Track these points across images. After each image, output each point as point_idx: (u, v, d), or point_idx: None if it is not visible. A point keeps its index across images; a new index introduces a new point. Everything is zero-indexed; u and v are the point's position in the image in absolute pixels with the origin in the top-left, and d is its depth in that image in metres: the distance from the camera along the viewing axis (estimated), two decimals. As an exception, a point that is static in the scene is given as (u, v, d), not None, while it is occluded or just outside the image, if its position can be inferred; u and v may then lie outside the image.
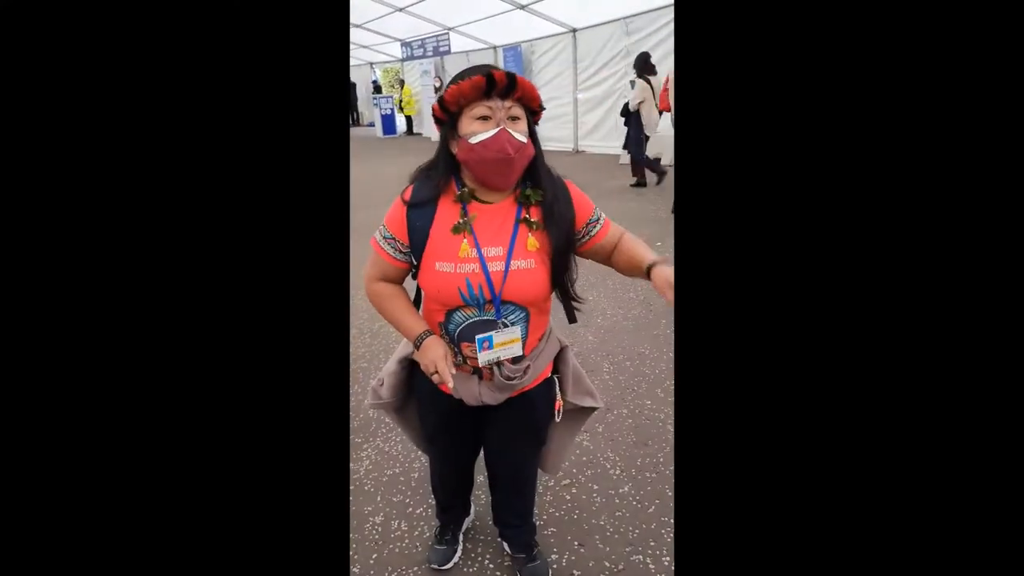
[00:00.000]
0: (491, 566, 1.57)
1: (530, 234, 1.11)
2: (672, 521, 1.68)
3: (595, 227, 1.17)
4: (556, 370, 1.34)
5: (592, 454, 2.01)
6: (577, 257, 1.19)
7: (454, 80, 1.05)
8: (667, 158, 7.17)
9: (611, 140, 6.60)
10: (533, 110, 1.09)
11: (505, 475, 1.45)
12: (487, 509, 1.66)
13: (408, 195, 1.12)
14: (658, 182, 6.13)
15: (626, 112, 5.98)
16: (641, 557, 1.57)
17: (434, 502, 1.65)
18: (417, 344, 1.16)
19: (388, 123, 13.44)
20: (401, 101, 13.33)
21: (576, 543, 1.63)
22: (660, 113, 5.90)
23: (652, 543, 1.61)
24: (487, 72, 1.01)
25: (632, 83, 6.03)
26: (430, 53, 11.13)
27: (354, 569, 1.57)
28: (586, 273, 1.26)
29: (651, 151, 7.16)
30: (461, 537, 1.63)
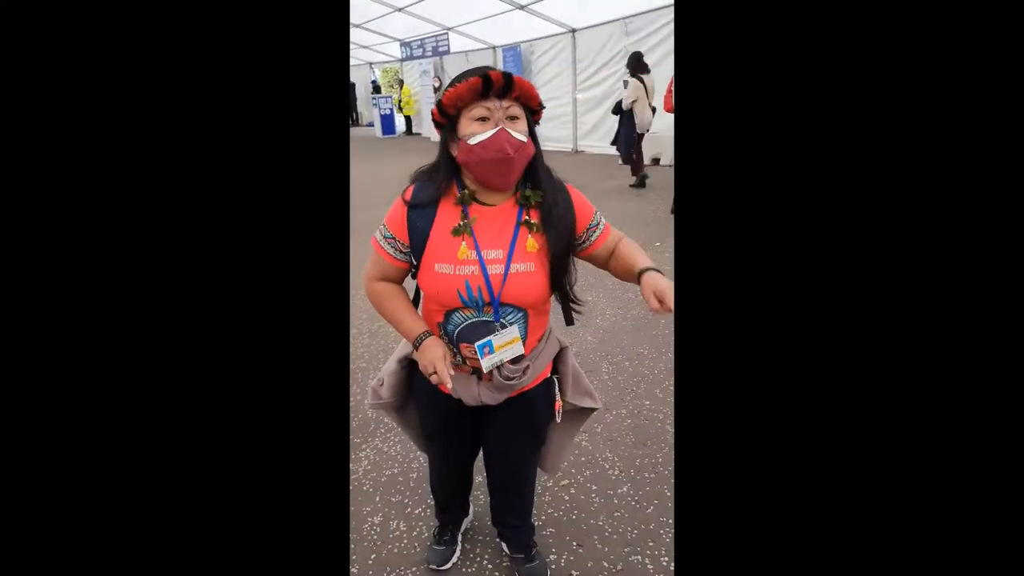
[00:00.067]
0: (490, 566, 1.57)
1: (530, 236, 1.10)
2: (670, 521, 1.68)
3: (595, 232, 1.17)
4: (555, 370, 1.34)
5: (591, 454, 2.01)
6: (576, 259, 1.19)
7: (452, 83, 1.05)
8: (667, 158, 7.19)
9: (611, 140, 6.63)
10: (533, 109, 1.09)
11: (504, 475, 1.45)
12: (486, 510, 1.66)
13: (409, 195, 1.12)
14: (635, 183, 6.17)
15: (618, 110, 6.00)
16: (640, 557, 1.57)
17: (433, 502, 1.65)
18: (416, 344, 1.16)
19: (387, 123, 13.44)
20: (400, 101, 13.33)
21: (575, 543, 1.63)
22: (653, 111, 5.92)
23: (651, 543, 1.61)
24: (484, 73, 1.01)
25: (625, 83, 6.04)
26: (429, 53, 11.13)
27: (353, 569, 1.56)
28: (585, 274, 1.26)
29: (651, 151, 7.18)
30: (460, 537, 1.63)
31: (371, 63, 15.31)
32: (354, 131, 14.10)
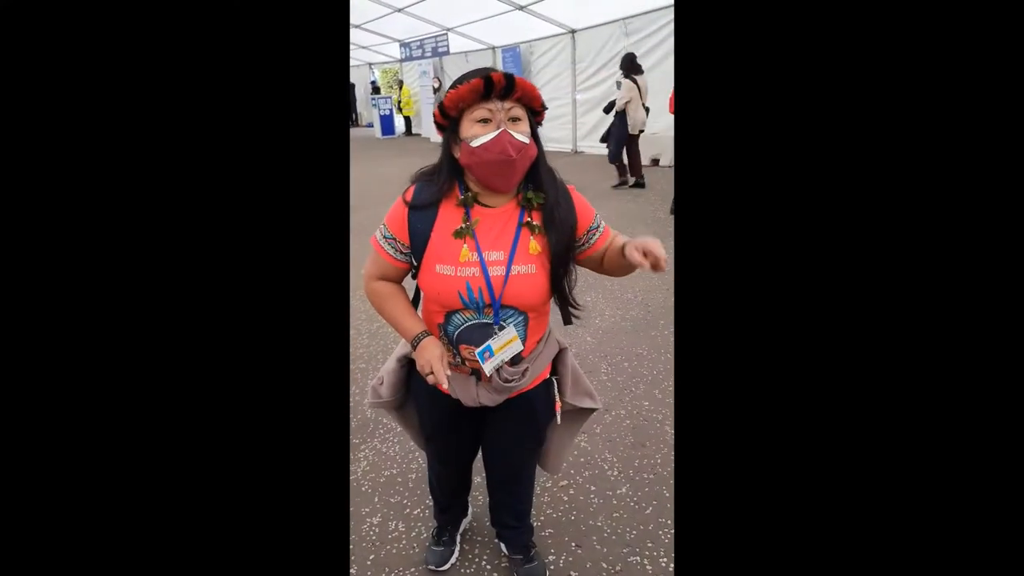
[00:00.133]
0: (488, 567, 1.57)
1: (532, 237, 1.10)
2: (669, 522, 1.68)
3: (595, 235, 1.17)
4: (555, 371, 1.34)
5: (590, 455, 2.01)
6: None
7: (453, 84, 1.05)
8: (666, 158, 7.19)
9: (600, 137, 6.65)
10: (535, 110, 1.08)
11: (503, 476, 1.44)
12: (484, 510, 1.66)
13: (410, 196, 1.12)
14: (616, 184, 6.20)
15: (610, 109, 6.03)
16: (638, 558, 1.57)
17: (431, 503, 1.65)
18: (414, 344, 1.16)
19: (387, 124, 13.44)
20: (400, 102, 13.33)
21: (573, 544, 1.63)
22: (647, 112, 5.95)
23: (650, 544, 1.61)
24: (485, 74, 1.01)
25: (618, 84, 6.07)
26: (429, 54, 11.13)
27: (351, 570, 1.56)
28: (584, 275, 1.26)
29: (650, 151, 7.19)
30: (458, 538, 1.63)
31: (370, 64, 15.31)
32: (353, 132, 14.10)
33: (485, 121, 1.03)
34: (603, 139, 6.32)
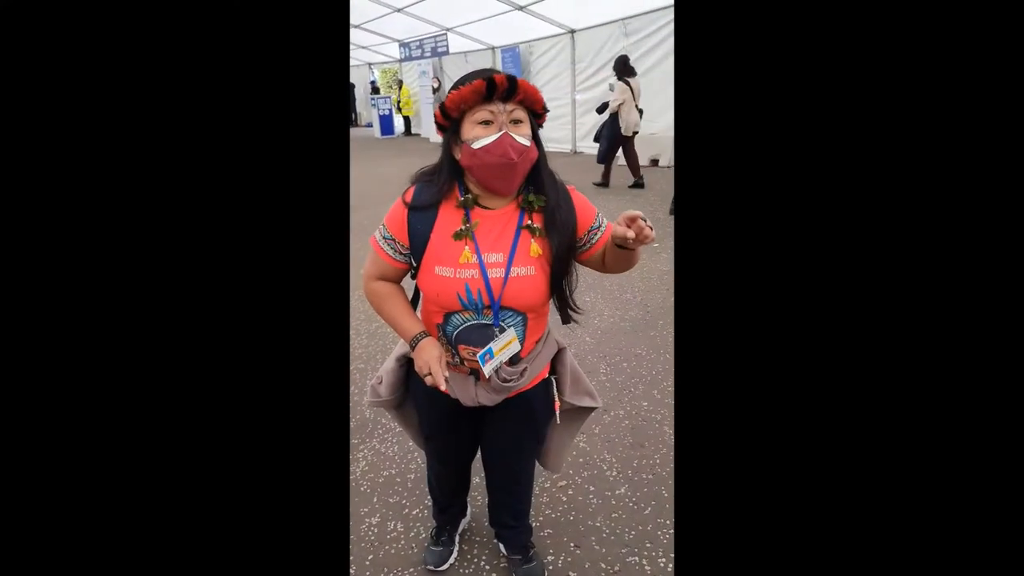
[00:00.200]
0: (487, 567, 1.57)
1: (532, 240, 1.10)
2: (668, 522, 1.68)
3: (596, 234, 1.16)
4: (554, 371, 1.34)
5: (589, 455, 2.01)
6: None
7: (455, 85, 1.04)
8: (666, 159, 7.19)
9: (593, 136, 6.67)
10: (536, 112, 1.08)
11: (502, 476, 1.45)
12: (483, 510, 1.66)
13: (409, 197, 1.12)
14: (600, 183, 6.25)
15: (603, 110, 6.08)
16: (637, 558, 1.57)
17: (430, 503, 1.65)
18: (412, 345, 1.16)
19: (386, 124, 13.44)
20: (399, 102, 13.33)
21: (572, 544, 1.63)
22: (640, 113, 5.99)
23: (648, 544, 1.61)
24: (488, 76, 1.01)
25: (611, 86, 6.13)
26: (428, 54, 11.12)
27: (350, 570, 1.56)
28: (584, 275, 1.26)
29: (650, 152, 7.19)
30: (457, 538, 1.63)
31: (370, 64, 15.31)
32: (353, 132, 14.10)
33: (487, 123, 1.02)
34: (596, 138, 6.36)
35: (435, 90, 11.19)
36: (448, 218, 1.10)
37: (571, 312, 1.19)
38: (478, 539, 1.66)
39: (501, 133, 1.02)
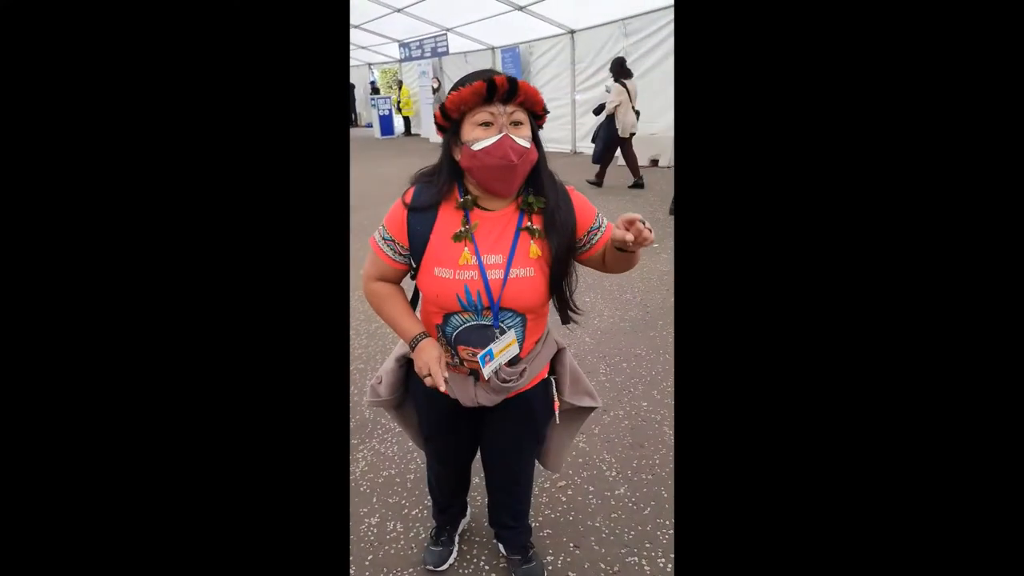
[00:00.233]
0: (486, 567, 1.57)
1: (532, 242, 1.10)
2: (667, 523, 1.68)
3: (596, 235, 1.16)
4: (553, 371, 1.34)
5: (588, 456, 2.01)
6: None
7: (455, 86, 1.04)
8: (665, 159, 7.19)
9: (591, 137, 6.70)
10: (536, 114, 1.08)
11: (502, 476, 1.45)
12: (483, 511, 1.66)
13: (409, 198, 1.12)
14: (593, 182, 6.29)
15: (600, 111, 6.12)
16: (636, 559, 1.57)
17: (430, 503, 1.65)
18: (412, 346, 1.16)
19: (386, 124, 13.44)
20: (399, 102, 13.33)
21: (571, 544, 1.63)
22: (637, 115, 6.02)
23: (648, 544, 1.61)
24: (488, 77, 1.00)
25: (608, 88, 6.16)
26: (428, 54, 11.12)
27: (350, 570, 1.56)
28: (584, 275, 1.26)
29: (649, 152, 7.19)
30: (457, 538, 1.63)
31: (370, 64, 15.31)
32: (353, 132, 14.10)
33: (487, 124, 1.02)
34: (594, 139, 6.39)
35: (435, 90, 11.19)
36: (447, 219, 1.10)
37: (571, 313, 1.19)
38: (477, 539, 1.66)
39: (501, 135, 1.01)
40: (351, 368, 2.69)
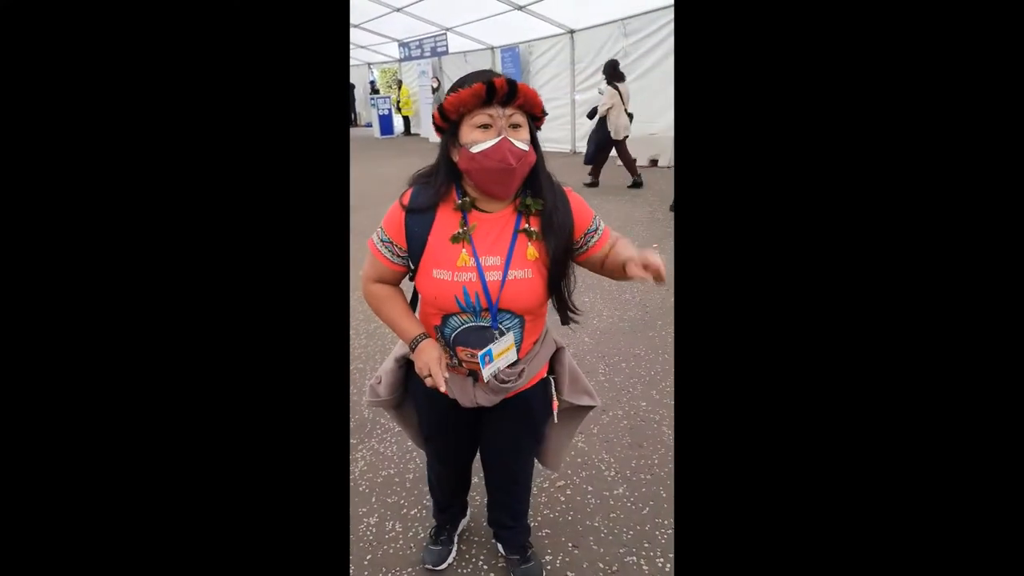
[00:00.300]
0: (485, 567, 1.57)
1: (529, 244, 1.10)
2: (666, 523, 1.69)
3: (593, 237, 1.16)
4: (552, 370, 1.34)
5: (587, 455, 2.01)
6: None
7: (454, 87, 1.04)
8: (665, 159, 7.20)
9: (588, 139, 6.73)
10: (535, 116, 1.08)
11: (501, 476, 1.45)
12: (481, 511, 1.66)
13: (407, 200, 1.12)
14: (589, 184, 6.33)
15: (593, 114, 6.16)
16: (635, 558, 1.57)
17: (429, 503, 1.65)
18: (412, 347, 1.16)
19: (386, 124, 13.43)
20: (399, 102, 13.33)
21: (570, 544, 1.64)
22: (630, 118, 6.06)
23: (646, 544, 1.62)
24: (488, 79, 1.00)
25: (600, 90, 6.20)
26: (428, 54, 11.12)
27: (349, 570, 1.56)
28: (583, 276, 1.26)
29: (649, 152, 7.20)
30: (456, 538, 1.63)
31: (369, 63, 15.30)
32: (352, 131, 14.09)
33: (486, 127, 1.02)
34: (590, 139, 6.43)
35: (434, 90, 11.19)
36: (445, 221, 1.10)
37: (570, 314, 1.19)
38: (476, 539, 1.67)
39: (500, 138, 1.01)
40: (351, 368, 2.68)
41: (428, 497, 1.67)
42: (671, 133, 6.56)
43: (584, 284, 3.37)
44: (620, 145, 6.13)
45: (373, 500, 1.83)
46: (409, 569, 1.56)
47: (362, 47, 13.29)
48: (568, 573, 1.54)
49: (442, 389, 1.09)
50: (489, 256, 1.09)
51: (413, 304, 1.26)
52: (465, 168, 1.06)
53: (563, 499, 1.81)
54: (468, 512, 1.70)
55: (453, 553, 1.59)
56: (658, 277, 0.95)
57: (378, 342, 2.93)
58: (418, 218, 1.10)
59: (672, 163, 6.77)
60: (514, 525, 1.52)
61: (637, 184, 6.16)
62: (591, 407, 1.41)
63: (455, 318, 1.12)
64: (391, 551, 1.63)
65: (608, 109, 5.91)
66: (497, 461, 1.42)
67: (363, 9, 9.52)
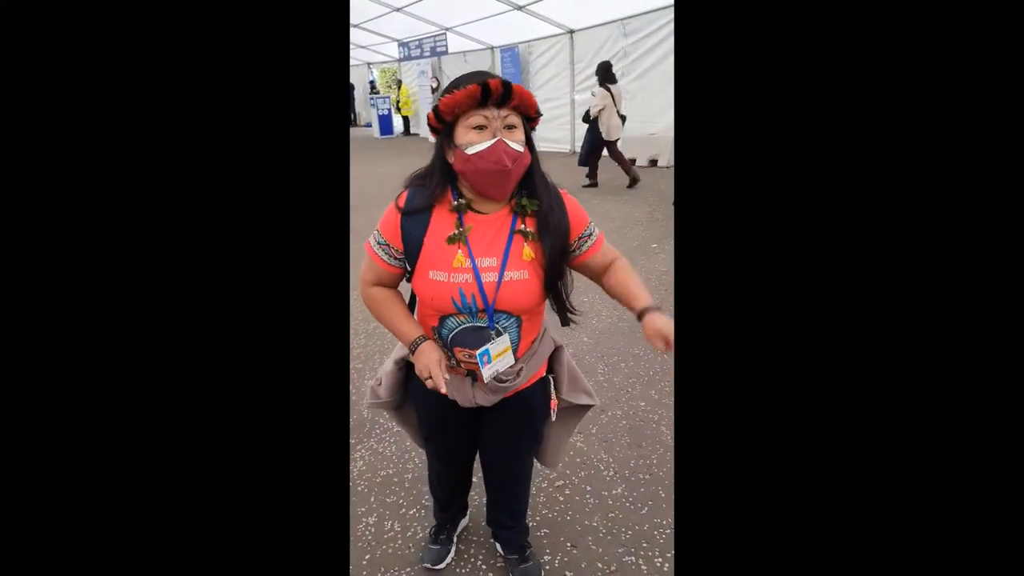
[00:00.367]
0: (484, 567, 1.57)
1: (525, 244, 1.10)
2: (665, 522, 1.69)
3: (587, 242, 1.17)
4: (551, 369, 1.35)
5: (586, 455, 2.01)
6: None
7: (449, 88, 1.04)
8: (665, 159, 7.20)
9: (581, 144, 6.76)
10: (530, 117, 1.08)
11: (500, 475, 1.45)
12: (480, 510, 1.66)
13: (402, 202, 1.12)
14: (588, 185, 6.35)
15: (587, 117, 6.20)
16: (634, 558, 1.57)
17: (428, 503, 1.65)
18: (412, 349, 1.16)
19: (385, 123, 13.43)
20: (398, 102, 13.32)
21: (569, 544, 1.64)
22: (623, 120, 6.10)
23: (645, 544, 1.62)
24: (482, 80, 1.00)
25: (593, 92, 6.23)
26: (427, 53, 11.12)
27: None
28: (581, 276, 1.27)
29: (649, 152, 7.20)
30: (456, 538, 1.63)
31: (369, 63, 15.29)
32: (352, 131, 14.09)
33: (481, 128, 1.02)
34: (584, 141, 6.48)
35: (434, 90, 11.18)
36: (441, 222, 1.10)
37: (569, 314, 1.19)
38: (475, 539, 1.67)
39: (496, 140, 1.01)
40: (351, 368, 2.68)
41: (427, 497, 1.67)
42: (671, 133, 6.57)
43: (583, 284, 3.36)
44: (611, 146, 6.17)
45: (372, 500, 1.83)
46: (408, 569, 1.56)
47: (362, 47, 13.29)
48: (566, 573, 1.54)
49: (443, 391, 1.09)
50: (485, 257, 1.09)
51: (411, 306, 1.26)
52: (460, 169, 1.06)
53: (562, 499, 1.81)
54: (468, 513, 1.71)
55: (452, 552, 1.59)
56: (667, 348, 1.01)
57: (377, 342, 2.93)
58: (414, 220, 1.10)
59: (672, 163, 6.78)
60: (513, 525, 1.52)
61: (635, 180, 6.19)
62: (590, 406, 1.41)
63: (452, 319, 1.13)
64: (389, 551, 1.63)
65: (600, 110, 5.96)
66: (497, 460, 1.42)
67: (363, 9, 9.51)
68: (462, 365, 1.18)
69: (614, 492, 1.83)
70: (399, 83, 13.54)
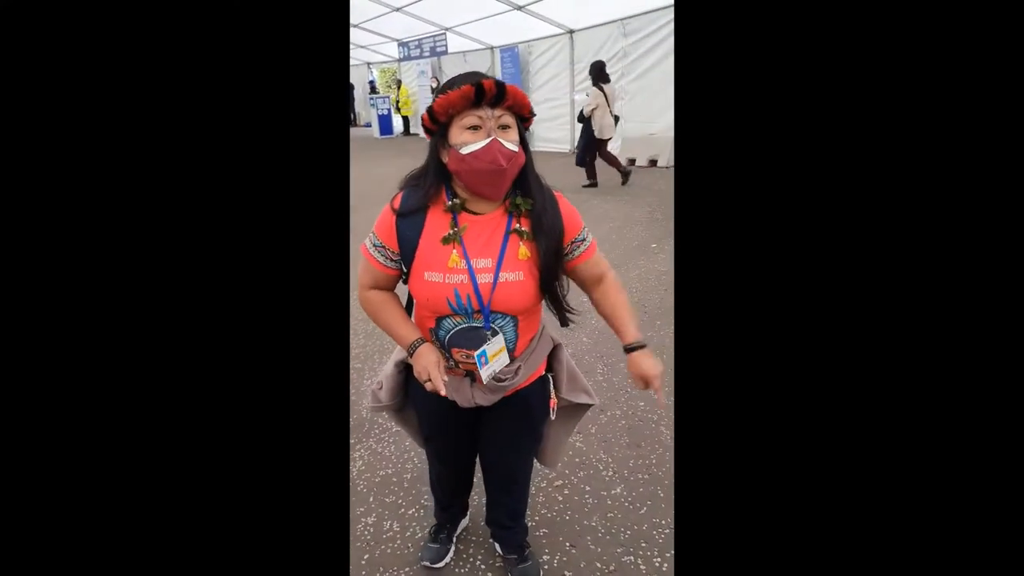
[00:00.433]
0: (483, 567, 1.57)
1: (521, 244, 1.10)
2: (664, 522, 1.69)
3: (580, 247, 1.17)
4: (550, 367, 1.35)
5: (585, 455, 2.01)
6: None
7: (443, 89, 1.04)
8: (664, 159, 7.20)
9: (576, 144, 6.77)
10: (523, 117, 1.08)
11: (500, 475, 1.45)
12: (479, 510, 1.66)
13: (397, 203, 1.12)
14: (588, 184, 6.40)
15: (582, 117, 6.24)
16: (632, 558, 1.57)
17: (427, 503, 1.65)
18: (410, 352, 1.16)
19: (385, 123, 13.43)
20: (398, 101, 13.32)
21: (568, 544, 1.64)
22: (616, 120, 6.16)
23: (644, 544, 1.62)
24: (476, 81, 1.00)
25: (587, 92, 6.28)
26: (427, 53, 11.12)
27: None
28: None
29: (648, 152, 7.20)
30: (455, 538, 1.63)
31: (369, 63, 15.29)
32: (352, 131, 14.08)
33: (475, 128, 1.02)
34: (579, 141, 6.51)
35: (434, 90, 11.17)
36: (436, 223, 1.10)
37: (567, 314, 1.19)
38: (474, 539, 1.67)
39: (490, 139, 1.02)
40: (350, 368, 2.68)
41: (426, 497, 1.67)
42: (671, 133, 6.57)
43: (583, 284, 3.36)
44: (601, 145, 6.22)
45: (371, 500, 1.84)
46: (407, 569, 1.56)
47: (361, 47, 13.28)
48: (565, 573, 1.54)
49: (442, 393, 1.09)
50: (480, 259, 1.09)
51: (409, 308, 1.26)
52: (455, 169, 1.06)
53: (561, 499, 1.81)
54: (468, 513, 1.71)
55: (451, 552, 1.59)
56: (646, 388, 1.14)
57: (376, 342, 2.93)
58: (409, 221, 1.11)
59: (672, 163, 6.78)
60: (512, 525, 1.52)
61: (626, 175, 6.22)
62: (589, 405, 1.41)
63: (448, 320, 1.13)
64: (388, 551, 1.63)
65: (593, 110, 6.01)
66: (496, 460, 1.42)
67: (363, 9, 9.51)
68: (460, 366, 1.18)
69: (613, 492, 1.83)
70: (399, 83, 13.54)
